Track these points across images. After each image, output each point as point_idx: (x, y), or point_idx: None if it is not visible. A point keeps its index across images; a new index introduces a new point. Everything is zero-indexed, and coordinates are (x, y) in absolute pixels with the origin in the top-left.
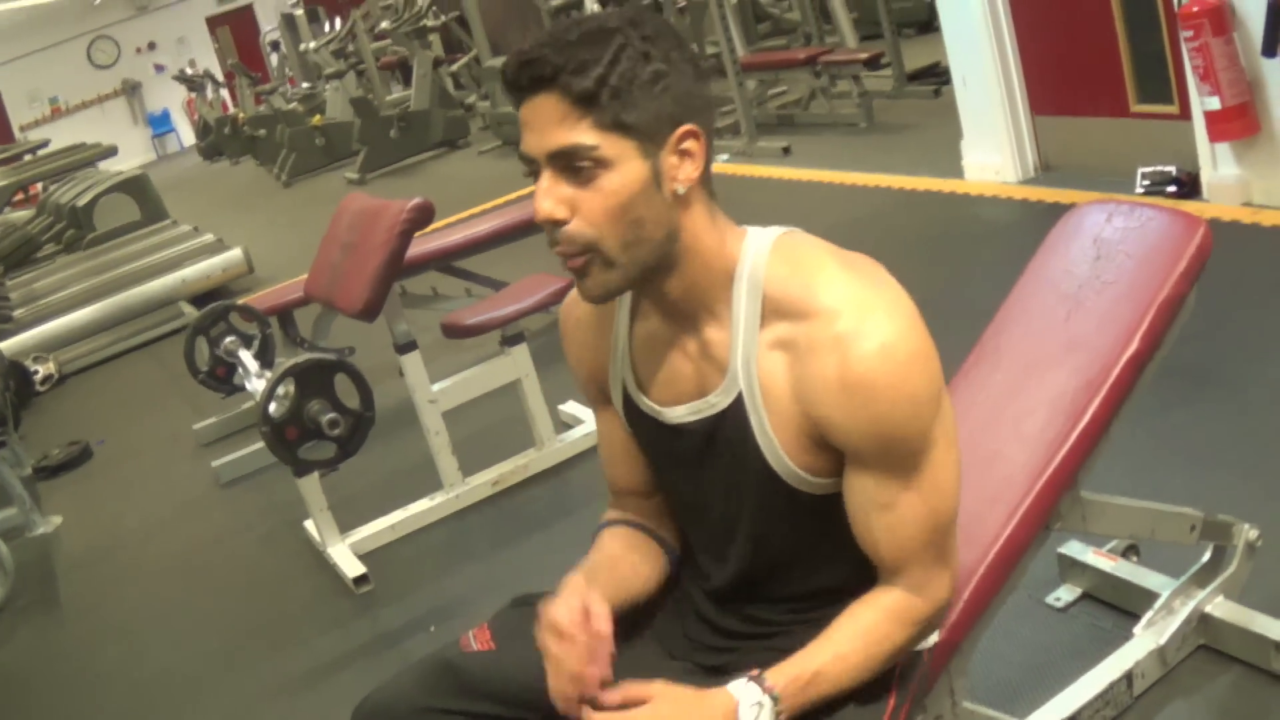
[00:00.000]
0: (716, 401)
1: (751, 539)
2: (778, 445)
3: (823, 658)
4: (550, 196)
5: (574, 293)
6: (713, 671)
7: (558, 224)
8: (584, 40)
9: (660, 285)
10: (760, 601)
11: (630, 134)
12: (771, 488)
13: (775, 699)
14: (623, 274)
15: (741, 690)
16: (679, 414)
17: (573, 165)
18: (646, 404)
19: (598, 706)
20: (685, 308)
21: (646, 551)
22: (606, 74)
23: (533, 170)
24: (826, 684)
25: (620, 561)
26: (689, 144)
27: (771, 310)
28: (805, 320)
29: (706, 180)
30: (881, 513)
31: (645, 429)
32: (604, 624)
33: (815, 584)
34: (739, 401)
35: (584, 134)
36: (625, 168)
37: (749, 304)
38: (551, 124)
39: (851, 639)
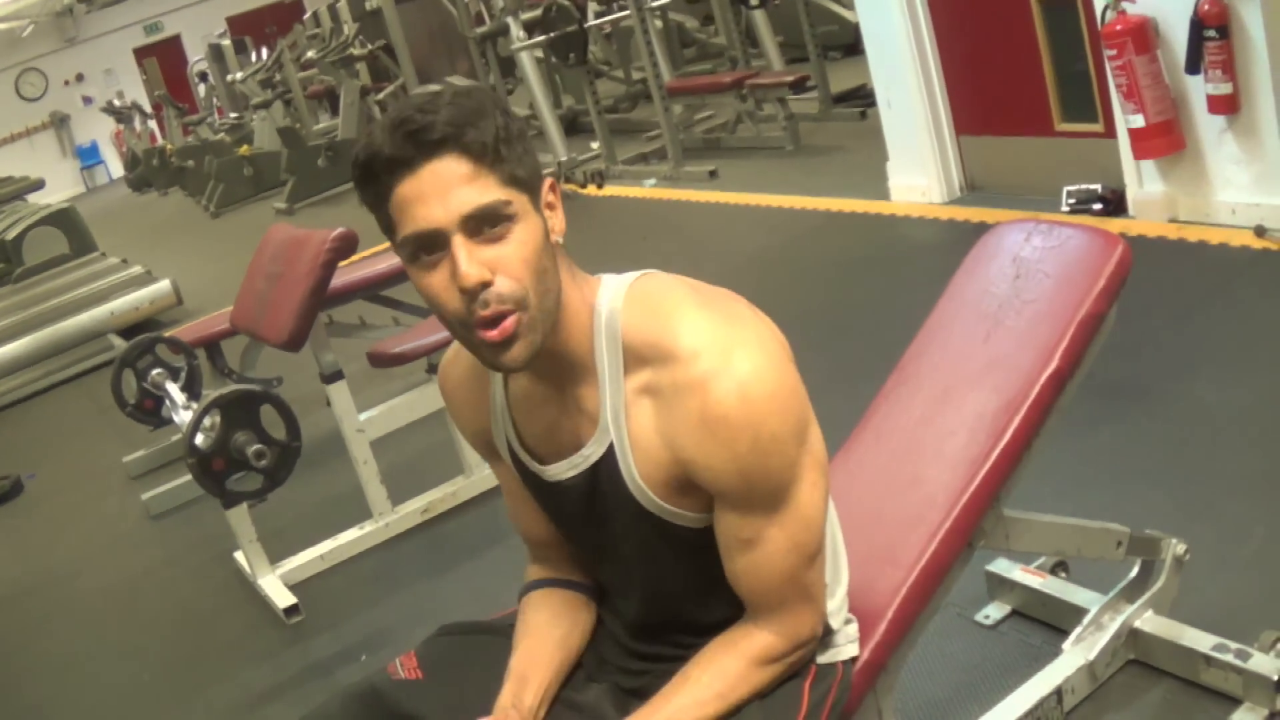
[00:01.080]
0: (590, 454)
1: (646, 581)
2: (649, 491)
3: (676, 705)
4: (474, 263)
5: (450, 353)
6: (631, 693)
7: (486, 286)
8: (459, 98)
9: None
10: (670, 631)
11: (523, 187)
12: (653, 531)
13: None
14: (541, 333)
15: None
16: (558, 470)
17: (485, 226)
18: (529, 461)
19: None
20: (555, 363)
21: (574, 615)
22: (499, 129)
23: (427, 247)
24: None
25: (547, 639)
26: (553, 196)
27: (633, 358)
28: (667, 364)
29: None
30: (744, 549)
31: (532, 485)
32: None
33: (718, 615)
34: (610, 451)
35: (495, 190)
36: (528, 221)
37: (610, 354)
38: (457, 186)
39: (711, 685)
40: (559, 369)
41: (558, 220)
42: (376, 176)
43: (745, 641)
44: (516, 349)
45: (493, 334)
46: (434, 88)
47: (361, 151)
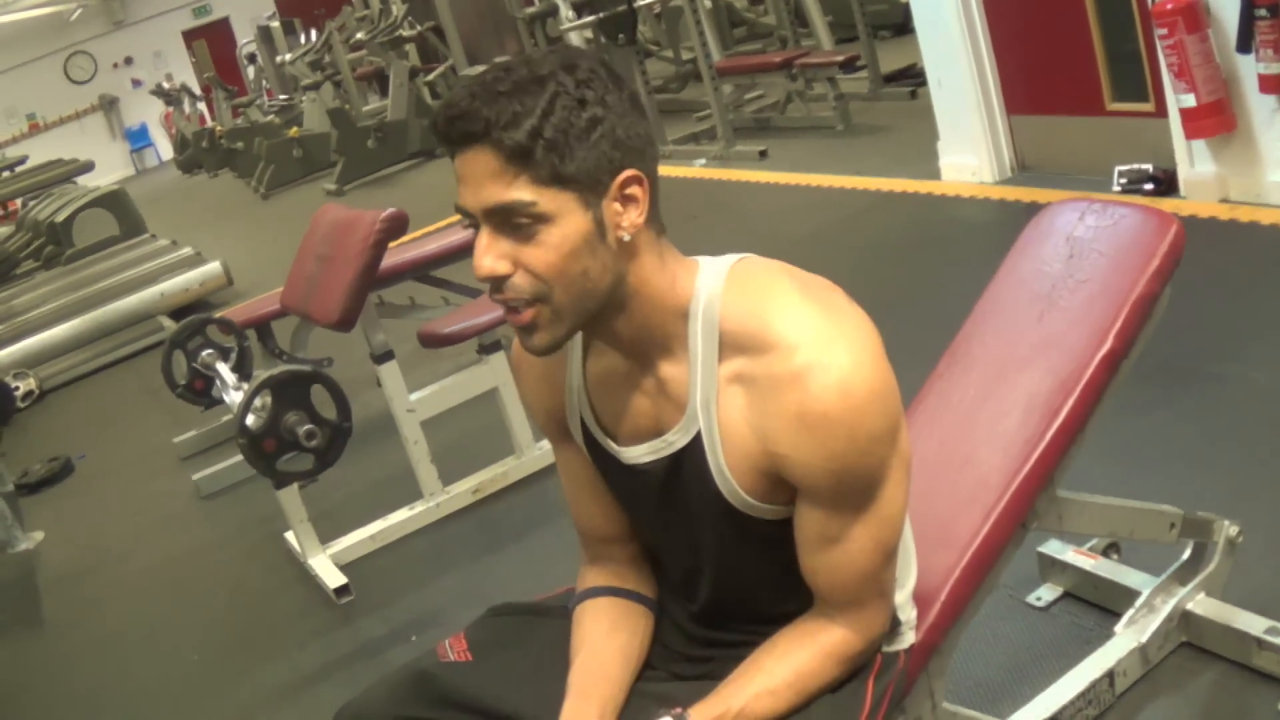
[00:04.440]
0: (674, 440)
1: (717, 573)
2: (734, 483)
3: (750, 693)
4: (490, 253)
5: None
6: (696, 680)
7: (501, 279)
8: (515, 90)
9: (610, 327)
10: (738, 620)
11: (569, 186)
12: (732, 523)
13: None
14: (569, 326)
15: None
16: (637, 453)
17: (511, 221)
18: (605, 442)
19: None
20: (639, 347)
21: (633, 625)
22: (539, 126)
23: (471, 223)
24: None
25: (607, 650)
26: (632, 189)
27: (729, 344)
28: (763, 354)
29: (653, 220)
30: (828, 546)
31: (606, 467)
32: None
33: (785, 608)
34: (697, 440)
35: (520, 190)
36: (566, 221)
37: (705, 340)
38: (486, 180)
39: (784, 676)
40: (643, 351)
41: (630, 215)
42: (441, 144)
43: (821, 635)
44: (537, 338)
45: (514, 319)
46: (517, 60)
47: (434, 118)
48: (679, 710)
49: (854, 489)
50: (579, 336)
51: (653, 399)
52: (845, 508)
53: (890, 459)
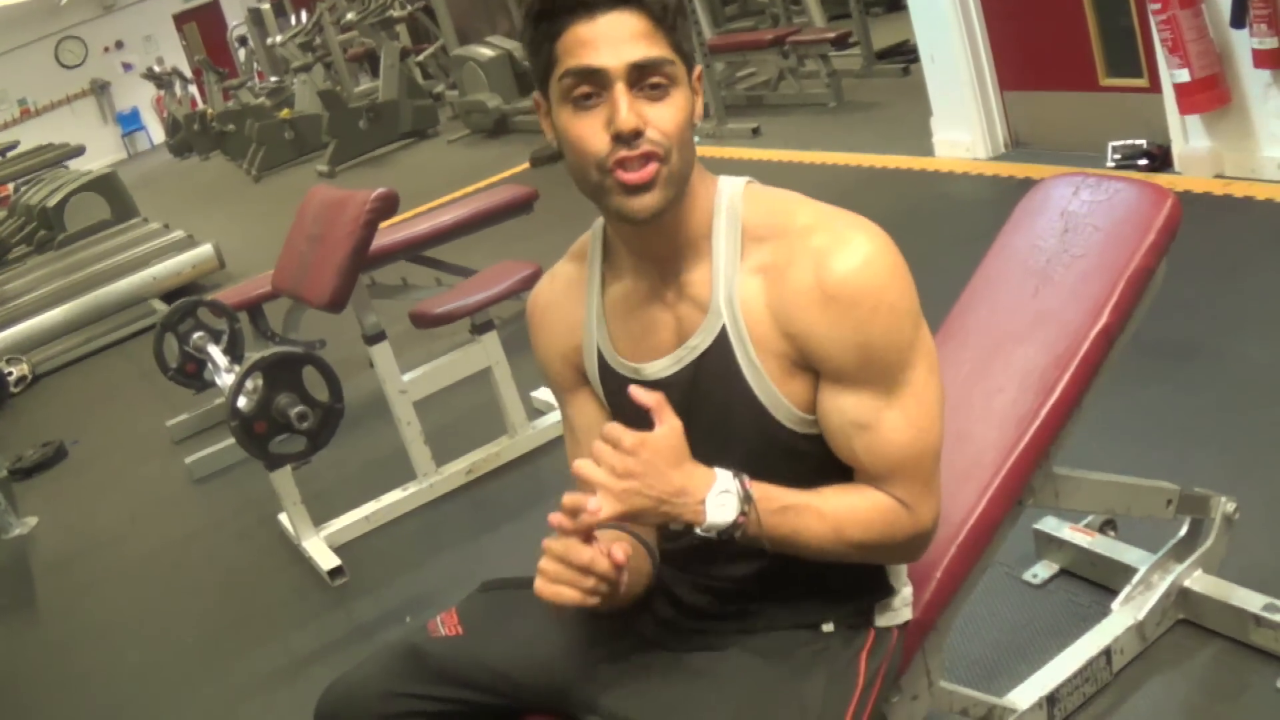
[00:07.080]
0: (698, 343)
1: None
2: (764, 373)
3: (802, 501)
4: (633, 111)
5: (543, 280)
6: (684, 653)
7: (638, 134)
8: None
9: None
10: (738, 562)
11: (685, 60)
12: (760, 426)
13: (748, 496)
14: (674, 193)
15: (723, 475)
16: (660, 367)
17: (647, 81)
18: (624, 364)
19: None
20: (669, 249)
21: (637, 551)
22: (678, 1)
23: (585, 85)
24: (791, 526)
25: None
26: (697, 84)
27: (751, 237)
28: (782, 239)
29: None
30: (862, 432)
31: (623, 395)
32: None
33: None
34: (723, 336)
35: (664, 49)
36: (684, 88)
37: (728, 234)
38: (631, 39)
39: (834, 505)
40: (670, 253)
41: (698, 105)
42: (554, 14)
43: (875, 493)
44: (651, 196)
45: (634, 176)
46: None
47: None
48: (736, 470)
49: (880, 365)
50: (597, 264)
51: (673, 308)
52: (874, 388)
53: (914, 340)
